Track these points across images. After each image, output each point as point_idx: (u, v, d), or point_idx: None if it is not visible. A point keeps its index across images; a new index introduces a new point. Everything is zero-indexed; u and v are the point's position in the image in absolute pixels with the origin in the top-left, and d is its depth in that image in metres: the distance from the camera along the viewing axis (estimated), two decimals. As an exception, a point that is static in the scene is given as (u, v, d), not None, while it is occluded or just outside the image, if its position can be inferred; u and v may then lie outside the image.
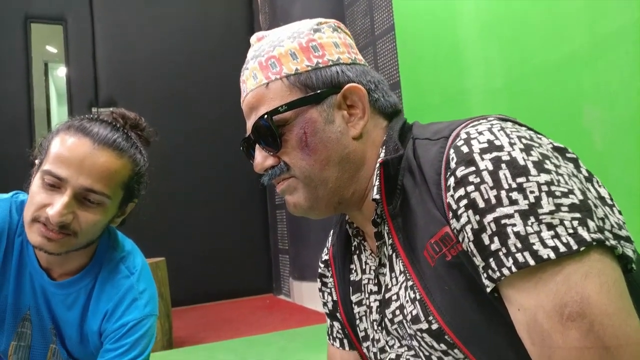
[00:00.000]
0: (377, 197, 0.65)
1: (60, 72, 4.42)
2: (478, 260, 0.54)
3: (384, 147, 0.68)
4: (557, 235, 0.49)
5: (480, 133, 0.56)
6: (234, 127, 4.17)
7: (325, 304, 0.86)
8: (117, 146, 0.95)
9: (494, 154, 0.54)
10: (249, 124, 0.70)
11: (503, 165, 0.53)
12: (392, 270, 0.67)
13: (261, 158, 0.70)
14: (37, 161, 0.99)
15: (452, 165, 0.56)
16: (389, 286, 0.67)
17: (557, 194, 0.51)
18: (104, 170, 0.92)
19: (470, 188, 0.54)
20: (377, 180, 0.65)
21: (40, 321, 1.06)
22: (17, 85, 3.73)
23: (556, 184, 0.51)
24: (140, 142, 1.03)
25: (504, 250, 0.51)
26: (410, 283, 0.62)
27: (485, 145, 0.55)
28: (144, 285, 1.06)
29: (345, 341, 0.83)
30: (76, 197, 0.91)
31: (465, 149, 0.56)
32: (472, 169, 0.54)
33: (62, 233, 0.91)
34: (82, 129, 0.94)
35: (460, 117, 0.66)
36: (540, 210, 0.50)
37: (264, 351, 2.37)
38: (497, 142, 0.54)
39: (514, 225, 0.50)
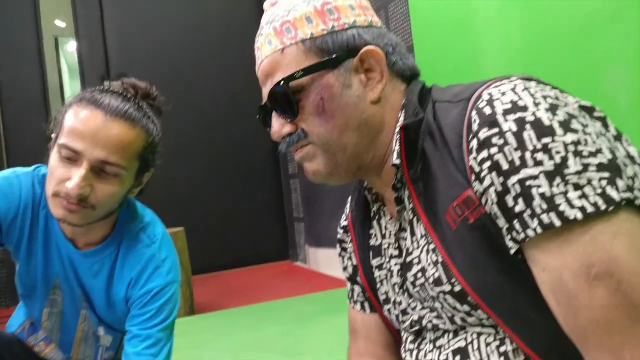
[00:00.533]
0: (398, 161, 0.64)
1: (69, 46, 4.41)
2: (502, 222, 0.54)
3: (403, 111, 0.67)
4: (584, 196, 0.49)
5: (503, 94, 0.55)
6: (247, 97, 4.15)
7: (345, 269, 0.87)
8: (129, 117, 0.95)
9: (518, 114, 0.53)
10: (265, 91, 0.70)
11: (527, 126, 0.52)
12: (412, 234, 0.67)
13: (278, 125, 0.69)
14: (53, 135, 1.00)
15: (474, 127, 0.55)
16: (410, 250, 0.68)
17: (585, 153, 0.50)
18: (118, 142, 0.93)
19: (494, 150, 0.53)
20: (397, 145, 0.64)
21: (70, 288, 1.10)
22: (30, 61, 3.73)
23: (583, 143, 0.51)
24: (152, 111, 1.04)
25: (528, 211, 0.51)
26: (431, 246, 0.63)
27: (509, 106, 0.54)
28: (165, 253, 1.09)
29: (365, 304, 0.85)
30: (93, 170, 0.92)
31: (487, 110, 0.55)
32: (495, 130, 0.53)
33: (81, 205, 0.93)
34: (93, 100, 0.95)
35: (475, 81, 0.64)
36: (566, 171, 0.49)
37: (283, 315, 2.43)
38: (520, 103, 0.53)
39: (539, 186, 0.50)
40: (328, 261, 3.63)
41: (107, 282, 1.08)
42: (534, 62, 1.69)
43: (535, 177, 0.50)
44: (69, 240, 1.05)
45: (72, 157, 0.92)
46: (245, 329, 2.25)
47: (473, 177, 0.56)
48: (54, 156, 0.95)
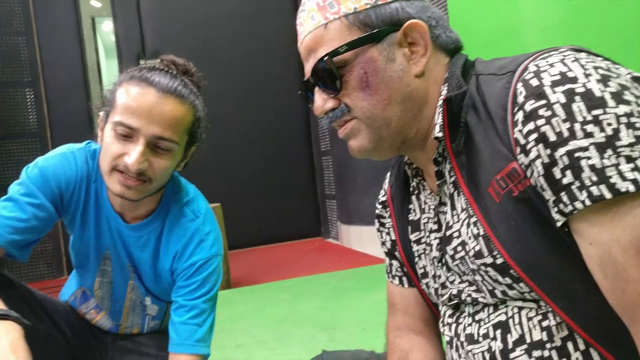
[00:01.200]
0: (440, 134, 0.64)
1: (105, 26, 4.49)
2: (548, 195, 0.53)
3: (446, 84, 0.67)
4: (637, 168, 0.48)
5: (551, 65, 0.54)
6: (281, 75, 4.17)
7: (383, 244, 0.88)
8: (179, 94, 0.98)
9: (567, 86, 0.52)
10: (308, 67, 0.70)
11: (577, 98, 0.51)
12: (453, 208, 0.67)
13: (321, 101, 0.70)
14: (102, 113, 1.04)
15: (520, 99, 0.55)
16: (450, 224, 0.68)
17: (638, 125, 0.49)
18: (171, 118, 0.96)
19: (541, 122, 0.53)
20: (440, 118, 0.64)
21: (119, 260, 1.15)
22: (69, 42, 3.82)
23: (636, 115, 0.50)
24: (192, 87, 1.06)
25: (577, 183, 0.50)
26: (473, 220, 0.63)
27: (557, 77, 0.53)
28: (209, 227, 1.12)
29: (404, 279, 0.86)
30: (148, 145, 0.96)
31: (534, 82, 0.54)
32: (543, 102, 0.53)
33: (139, 180, 0.96)
34: (144, 79, 0.97)
35: (513, 55, 0.63)
36: (618, 143, 0.49)
37: (317, 290, 2.47)
38: (570, 74, 0.53)
39: (588, 158, 0.49)
40: (360, 238, 3.65)
41: (154, 254, 1.13)
42: (573, 32, 1.63)
43: (585, 149, 0.50)
44: (117, 214, 1.10)
45: (128, 134, 0.95)
46: (281, 303, 2.31)
47: (518, 150, 0.56)
48: (108, 133, 0.98)
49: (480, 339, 0.65)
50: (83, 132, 1.01)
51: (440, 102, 0.65)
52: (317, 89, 0.70)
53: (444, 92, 0.66)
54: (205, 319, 1.08)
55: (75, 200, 1.09)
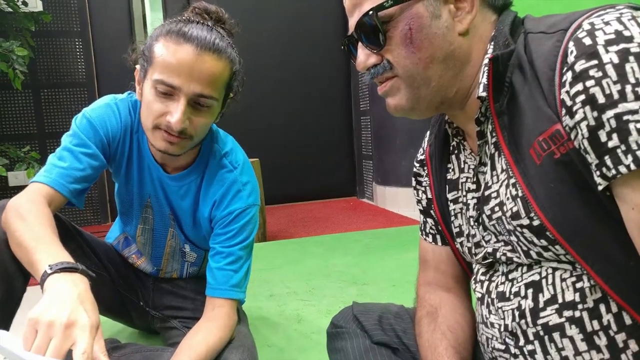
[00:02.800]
0: (484, 94, 0.63)
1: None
2: (591, 158, 0.52)
3: (492, 43, 0.65)
4: None
5: (606, 23, 0.52)
6: (322, 31, 4.10)
7: (419, 202, 0.89)
8: (216, 48, 0.97)
9: (622, 45, 0.50)
10: (352, 22, 0.69)
11: (631, 58, 0.49)
12: (493, 168, 0.67)
13: (364, 56, 0.69)
14: (138, 66, 1.05)
15: (571, 59, 0.53)
16: (489, 184, 0.68)
17: None
18: (210, 75, 0.97)
19: (590, 83, 0.51)
20: (485, 77, 0.63)
21: (160, 208, 1.20)
22: (115, -7, 3.86)
23: None
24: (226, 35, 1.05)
25: (623, 147, 0.49)
26: (512, 181, 0.62)
27: (612, 36, 0.51)
28: (246, 178, 1.15)
29: (437, 237, 0.86)
30: (189, 103, 0.97)
31: (587, 41, 0.52)
32: (594, 62, 0.51)
33: (181, 137, 0.99)
34: (182, 34, 0.96)
35: (566, 12, 0.61)
36: None
37: (350, 247, 2.51)
38: (626, 33, 0.50)
39: (637, 121, 0.48)
40: (395, 200, 3.65)
41: (193, 203, 1.17)
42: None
43: (634, 112, 0.48)
44: (159, 165, 1.14)
45: (169, 92, 0.96)
46: (314, 257, 2.36)
47: (563, 112, 0.55)
48: (149, 91, 0.99)
49: (512, 296, 0.66)
50: (128, 83, 1.04)
51: (486, 61, 0.63)
52: (360, 44, 0.70)
53: (490, 51, 0.65)
54: (241, 265, 1.12)
55: (120, 150, 1.13)
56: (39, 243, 0.82)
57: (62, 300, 0.69)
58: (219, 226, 1.13)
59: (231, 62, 1.02)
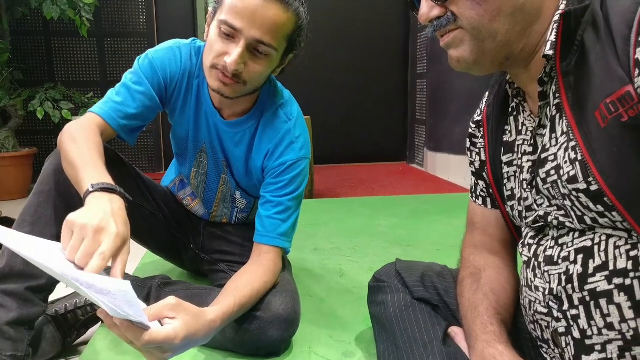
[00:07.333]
0: (551, 52, 0.61)
1: None
2: None
3: None
4: None
5: None
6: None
7: (472, 163, 0.87)
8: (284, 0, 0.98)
9: None
10: None
11: None
12: (553, 131, 0.65)
13: (427, 8, 0.67)
14: (210, 8, 1.07)
15: None
16: (547, 147, 0.66)
17: None
18: (273, 23, 0.98)
19: None
20: (554, 34, 0.60)
21: (214, 154, 1.23)
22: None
23: None
24: None
25: None
26: (572, 144, 0.60)
27: None
28: (299, 131, 1.16)
29: (488, 200, 0.85)
30: (248, 48, 0.99)
31: None
32: None
33: (235, 80, 1.01)
34: None
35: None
36: None
37: (396, 210, 2.51)
38: None
39: None
40: (446, 166, 3.59)
41: (247, 151, 1.20)
42: None
43: None
44: (216, 109, 1.17)
45: (231, 34, 0.99)
46: (360, 217, 2.38)
47: (637, 72, 0.52)
48: (213, 30, 1.02)
49: (560, 261, 0.65)
50: (187, 36, 1.07)
51: (557, 17, 0.60)
52: None
53: (562, 6, 0.61)
54: (290, 216, 1.15)
55: (177, 93, 1.16)
56: (86, 165, 0.89)
57: (97, 211, 0.76)
58: (270, 176, 1.15)
59: (297, 15, 1.02)
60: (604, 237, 0.60)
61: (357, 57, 4.17)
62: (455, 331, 0.82)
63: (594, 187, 0.58)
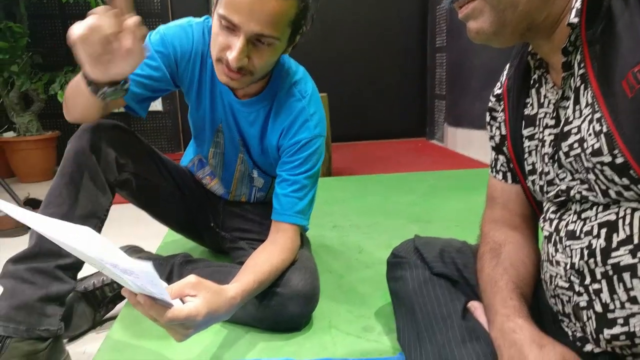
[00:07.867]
0: (576, 20, 0.58)
1: None
2: None
3: None
4: None
5: None
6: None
7: (492, 137, 0.86)
8: None
9: None
10: None
11: None
12: (577, 102, 0.63)
13: None
14: None
15: None
16: (570, 119, 0.64)
17: None
18: (272, 15, 0.93)
19: None
20: (579, 1, 0.58)
21: (230, 133, 1.23)
22: None
23: None
24: None
25: None
26: (597, 115, 0.58)
27: None
28: (314, 108, 1.15)
29: (508, 174, 0.84)
30: (249, 41, 0.96)
31: None
32: None
33: (240, 73, 1.00)
34: None
35: None
36: None
37: (415, 186, 2.49)
38: None
39: None
40: (466, 142, 3.54)
41: (262, 130, 1.20)
42: None
43: None
44: (230, 88, 1.16)
45: (231, 27, 0.96)
46: (376, 194, 2.37)
47: None
48: (215, 23, 0.99)
49: (582, 235, 0.63)
50: (201, 15, 1.05)
51: None
52: None
53: None
54: (306, 193, 1.15)
55: (190, 71, 1.15)
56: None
57: None
58: (286, 155, 1.15)
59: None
60: (628, 211, 0.59)
61: (374, 31, 4.10)
62: (474, 305, 0.82)
63: (619, 160, 0.56)
